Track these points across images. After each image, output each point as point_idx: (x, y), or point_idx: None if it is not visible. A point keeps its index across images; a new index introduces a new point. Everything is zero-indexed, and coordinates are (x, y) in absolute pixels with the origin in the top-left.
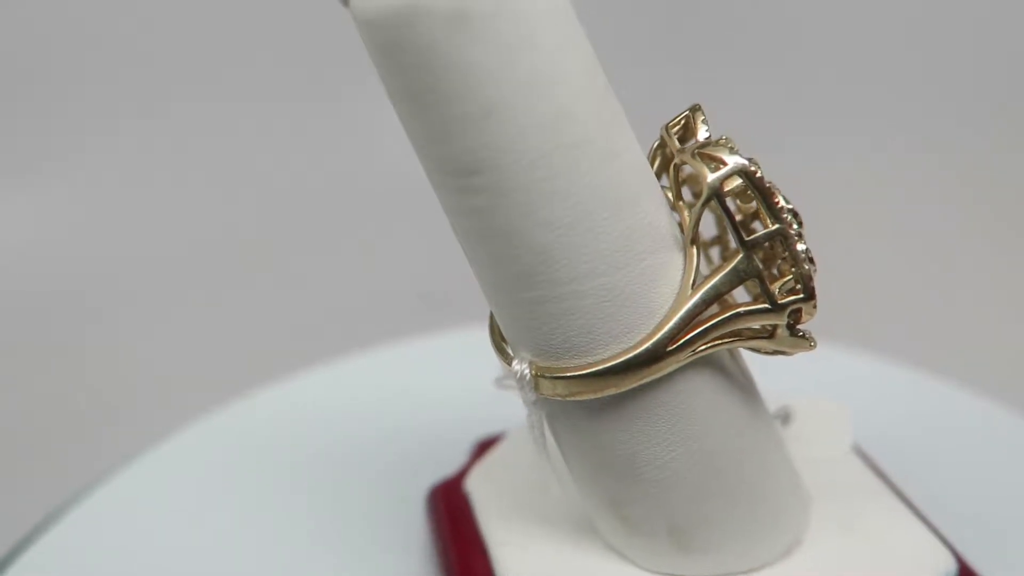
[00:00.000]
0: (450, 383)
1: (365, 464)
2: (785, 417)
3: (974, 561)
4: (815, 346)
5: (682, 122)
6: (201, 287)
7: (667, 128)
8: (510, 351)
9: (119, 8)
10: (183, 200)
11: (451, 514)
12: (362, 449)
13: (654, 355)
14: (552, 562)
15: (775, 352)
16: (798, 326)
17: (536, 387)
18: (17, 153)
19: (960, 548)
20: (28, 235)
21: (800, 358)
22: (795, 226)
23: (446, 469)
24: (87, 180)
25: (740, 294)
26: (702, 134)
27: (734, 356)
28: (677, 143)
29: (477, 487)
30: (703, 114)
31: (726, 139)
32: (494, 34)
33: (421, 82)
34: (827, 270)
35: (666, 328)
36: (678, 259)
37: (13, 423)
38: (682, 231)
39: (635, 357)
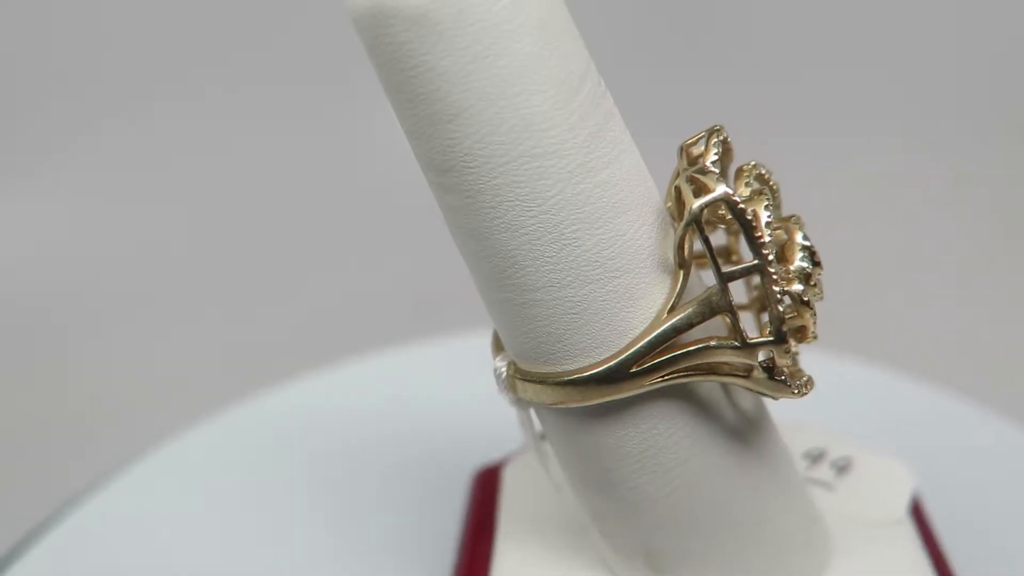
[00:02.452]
0: (458, 387)
1: (368, 466)
2: (843, 467)
3: None
4: (801, 394)
5: (702, 142)
6: (202, 291)
7: (683, 147)
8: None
9: (113, 10)
10: (181, 205)
11: (481, 496)
12: (365, 452)
13: (617, 375)
14: (543, 561)
15: (759, 393)
16: (778, 369)
17: (512, 387)
18: (17, 156)
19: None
20: (30, 238)
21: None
22: (807, 266)
23: (456, 471)
24: (88, 183)
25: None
26: (711, 157)
27: (729, 392)
28: (685, 163)
29: (512, 475)
30: (719, 136)
31: (753, 166)
32: (457, 40)
33: (396, 80)
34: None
35: (632, 350)
36: (664, 281)
37: (15, 424)
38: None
39: (597, 374)
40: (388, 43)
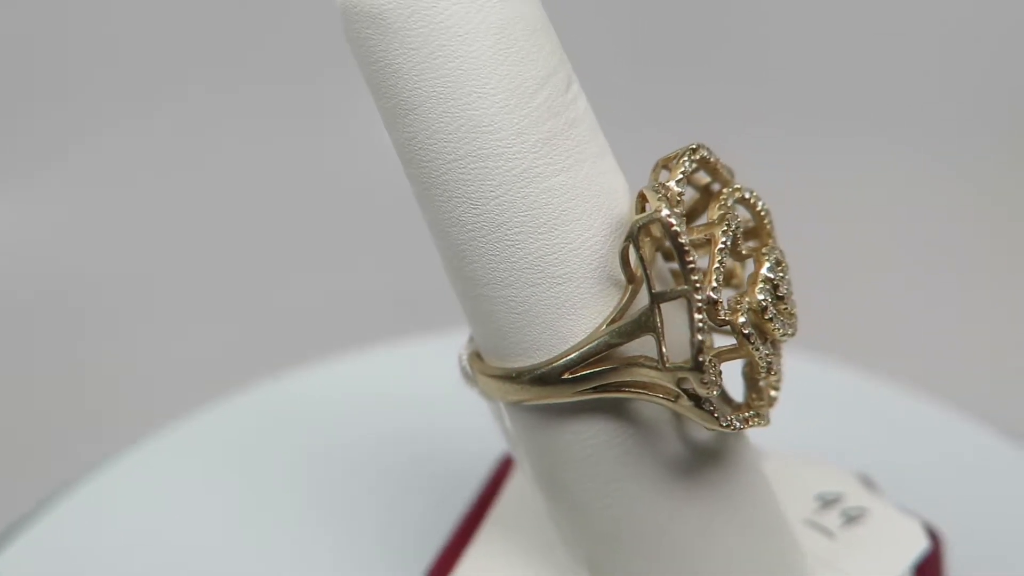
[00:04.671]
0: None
1: (360, 462)
2: (854, 517)
3: None
4: (733, 428)
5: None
6: (192, 287)
7: (659, 162)
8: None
9: (107, 6)
10: (171, 203)
11: (493, 481)
12: (358, 448)
13: (549, 379)
14: (509, 561)
15: (692, 420)
16: (705, 398)
17: (472, 377)
18: (10, 155)
19: None
20: (23, 233)
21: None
22: (764, 298)
23: (449, 467)
24: (80, 180)
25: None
26: (676, 176)
27: (681, 419)
28: (653, 178)
29: None
30: (695, 155)
31: (735, 189)
32: (409, 40)
33: (366, 73)
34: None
35: (566, 358)
36: (615, 294)
37: (3, 415)
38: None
39: (533, 376)
40: (356, 37)
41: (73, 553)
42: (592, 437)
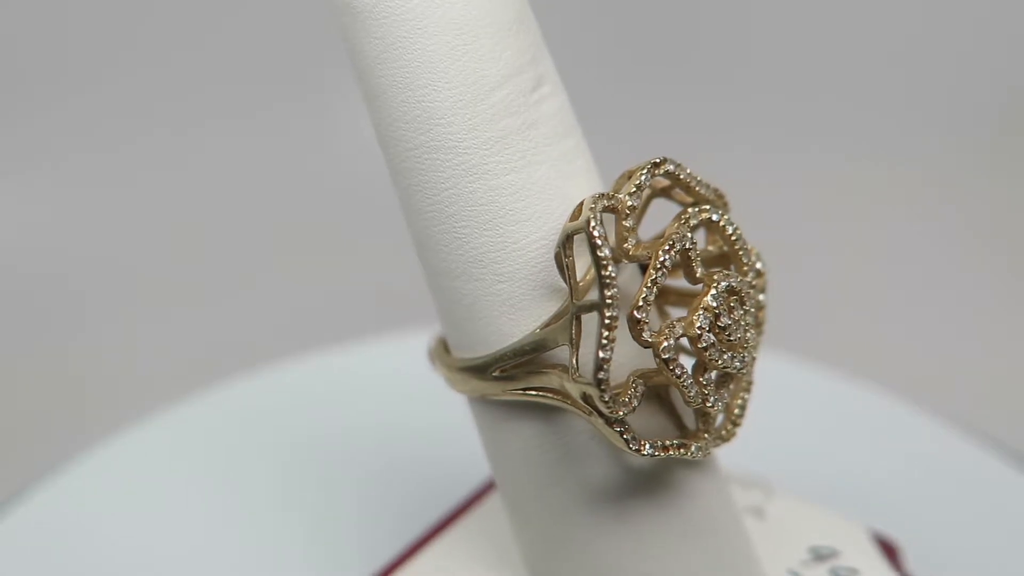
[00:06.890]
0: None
1: (344, 462)
2: None
3: None
4: (640, 453)
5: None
6: (172, 280)
7: (624, 174)
8: None
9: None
10: (154, 199)
11: (485, 486)
12: (342, 447)
13: (483, 374)
14: (460, 557)
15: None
16: (611, 416)
17: (433, 361)
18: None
19: None
20: (11, 227)
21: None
22: (701, 324)
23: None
24: (70, 177)
25: None
26: (631, 188)
27: (617, 450)
28: (613, 189)
29: None
30: (658, 170)
31: (700, 210)
32: (373, 29)
33: (350, 57)
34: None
35: (500, 355)
36: (559, 297)
37: None
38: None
39: (469, 368)
40: (338, 24)
41: (46, 546)
42: (529, 439)
